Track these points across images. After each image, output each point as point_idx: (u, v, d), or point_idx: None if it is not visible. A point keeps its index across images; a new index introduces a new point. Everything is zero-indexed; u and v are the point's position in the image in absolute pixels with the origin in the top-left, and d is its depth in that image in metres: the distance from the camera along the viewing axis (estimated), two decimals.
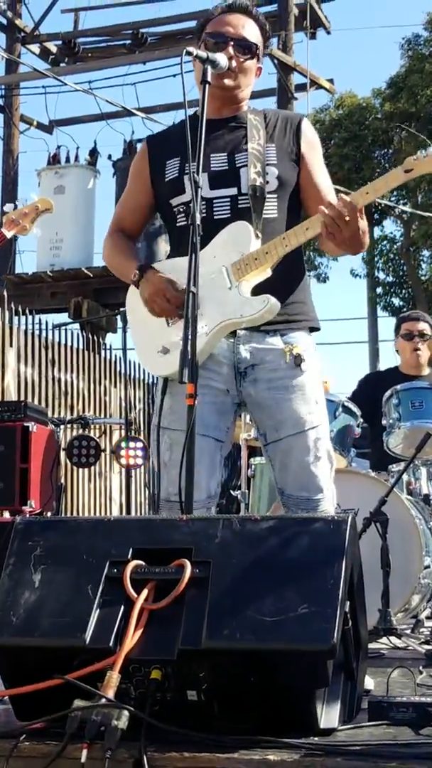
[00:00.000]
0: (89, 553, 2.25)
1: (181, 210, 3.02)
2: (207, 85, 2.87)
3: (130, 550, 2.24)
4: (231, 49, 3.01)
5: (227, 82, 3.02)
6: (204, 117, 2.84)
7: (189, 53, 2.82)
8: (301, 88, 13.75)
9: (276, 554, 2.19)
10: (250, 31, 3.07)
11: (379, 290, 19.40)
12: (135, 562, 2.22)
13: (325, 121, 16.14)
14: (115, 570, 2.22)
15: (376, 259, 18.50)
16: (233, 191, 2.99)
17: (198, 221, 2.74)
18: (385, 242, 18.80)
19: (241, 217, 2.97)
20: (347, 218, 2.81)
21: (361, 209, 2.83)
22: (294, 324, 3.04)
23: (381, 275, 19.13)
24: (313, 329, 3.12)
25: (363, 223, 2.86)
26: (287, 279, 3.04)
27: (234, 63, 3.01)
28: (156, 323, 3.01)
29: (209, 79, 2.87)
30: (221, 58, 2.95)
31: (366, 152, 15.94)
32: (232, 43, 3.02)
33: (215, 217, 2.97)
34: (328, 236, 2.86)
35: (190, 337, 2.68)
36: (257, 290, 2.95)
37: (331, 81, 14.55)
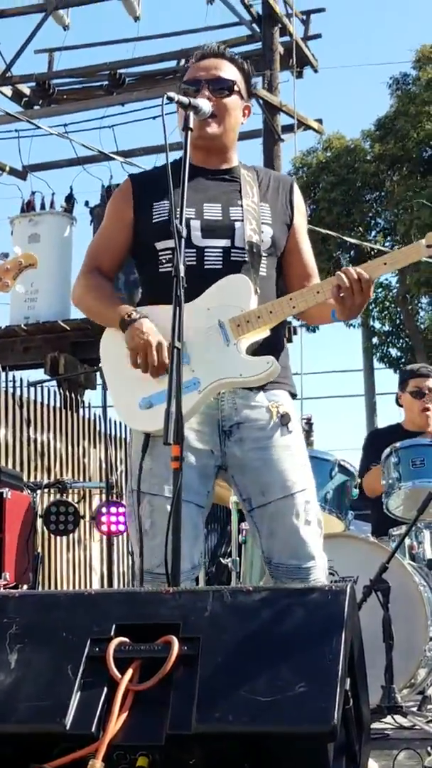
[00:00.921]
0: (69, 630, 2.23)
1: (168, 255, 3.05)
2: (189, 132, 2.92)
3: (113, 626, 2.23)
4: (207, 92, 3.09)
5: (210, 130, 3.10)
6: (186, 164, 2.88)
7: (170, 98, 2.88)
8: (288, 129, 13.93)
9: (270, 628, 2.18)
10: (226, 70, 3.15)
11: (375, 340, 19.52)
12: (118, 639, 2.20)
13: (313, 163, 16.36)
14: (97, 648, 2.20)
15: (371, 307, 18.64)
16: (226, 243, 3.05)
17: (182, 272, 2.75)
18: (380, 289, 18.96)
19: (233, 270, 3.02)
20: (361, 289, 2.91)
21: (373, 279, 2.93)
22: (277, 384, 3.08)
23: (376, 324, 19.27)
24: (293, 395, 3.17)
25: (371, 294, 2.97)
26: (273, 340, 3.08)
27: (213, 106, 3.07)
28: (138, 372, 3.00)
29: (191, 125, 2.92)
30: (204, 104, 3.02)
31: (356, 196, 16.14)
32: (207, 85, 3.10)
33: (206, 267, 3.02)
34: (338, 301, 2.93)
35: (174, 393, 2.68)
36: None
37: (319, 121, 14.75)
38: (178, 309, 2.72)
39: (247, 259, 3.05)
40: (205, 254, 3.03)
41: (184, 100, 2.94)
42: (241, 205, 3.09)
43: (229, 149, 3.20)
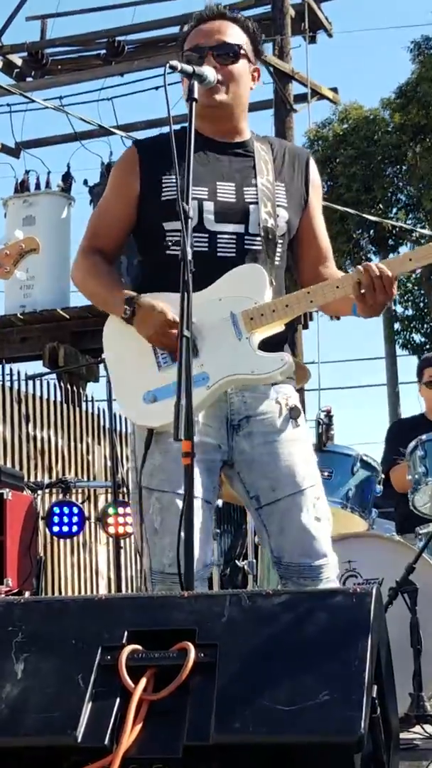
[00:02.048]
0: (78, 638, 2.27)
1: (177, 237, 2.98)
2: (194, 103, 2.92)
3: (125, 633, 2.26)
4: (212, 59, 3.08)
5: (218, 97, 3.09)
6: (192, 138, 2.87)
7: (173, 67, 2.88)
8: (300, 98, 13.92)
9: (291, 634, 2.21)
10: (230, 33, 3.13)
11: (397, 326, 19.51)
12: (131, 646, 2.23)
13: (329, 136, 16.33)
14: (109, 657, 2.23)
15: None
16: (240, 228, 3.06)
17: (189, 255, 2.76)
18: None
19: (247, 259, 3.04)
20: (384, 287, 2.93)
21: (396, 276, 2.95)
22: (286, 379, 3.12)
23: (399, 309, 19.25)
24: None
25: (395, 292, 2.99)
26: (283, 334, 3.12)
27: (219, 73, 3.07)
28: (143, 364, 3.02)
29: (197, 95, 2.93)
30: (209, 72, 3.01)
31: (376, 170, 16.11)
32: (210, 52, 3.08)
33: (218, 254, 3.03)
34: (358, 298, 2.97)
35: (184, 387, 2.70)
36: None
37: (334, 90, 14.74)
38: (186, 296, 2.73)
39: (261, 247, 3.07)
40: (218, 240, 3.03)
41: (188, 68, 2.93)
42: (256, 185, 3.09)
43: (240, 119, 3.19)
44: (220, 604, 2.27)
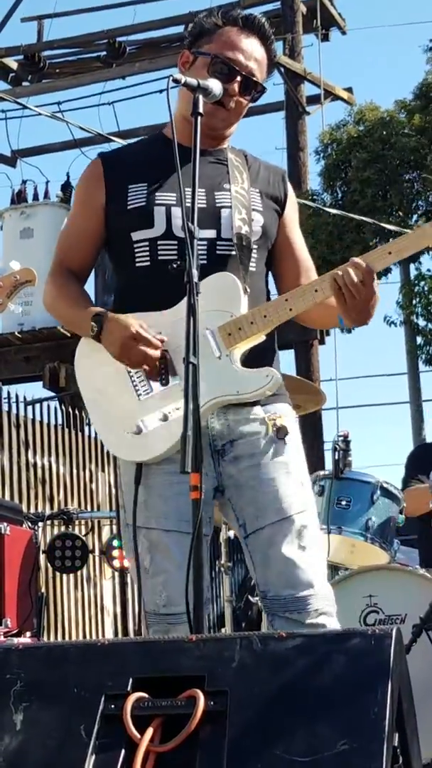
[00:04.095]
0: (80, 686, 2.28)
1: (145, 247, 3.05)
2: (199, 118, 2.94)
3: (130, 680, 2.26)
4: (237, 86, 3.11)
5: (220, 125, 3.15)
6: (197, 154, 2.90)
7: (176, 81, 2.90)
8: (313, 100, 14.00)
9: (306, 679, 2.21)
10: (262, 65, 3.17)
11: (419, 340, 19.47)
12: (136, 694, 2.24)
13: (343, 139, 16.34)
14: (113, 705, 2.24)
15: (413, 302, 18.59)
16: (212, 234, 3.06)
17: (196, 278, 2.75)
18: (423, 282, 18.92)
19: (220, 266, 3.03)
20: (363, 282, 2.90)
21: (375, 270, 2.93)
22: (275, 396, 3.10)
23: (421, 321, 19.23)
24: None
25: (377, 290, 2.95)
26: (266, 346, 3.11)
27: (233, 102, 3.12)
28: (123, 396, 3.02)
29: (201, 109, 2.95)
30: (214, 85, 3.02)
31: (392, 176, 16.11)
32: (240, 79, 3.11)
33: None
34: (339, 300, 2.94)
35: (191, 416, 2.71)
36: None
37: (349, 90, 14.81)
38: (192, 320, 2.73)
39: (234, 252, 3.07)
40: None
41: (192, 82, 2.95)
42: (229, 190, 3.12)
43: (225, 139, 3.26)
44: (230, 648, 2.28)
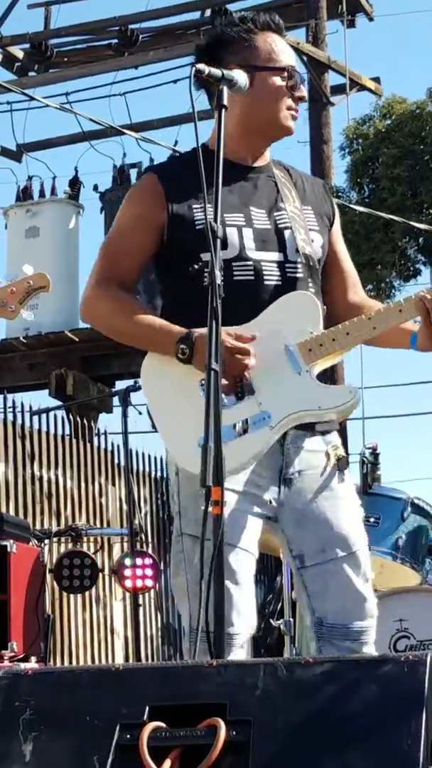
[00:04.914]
0: (94, 714, 2.28)
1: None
2: (223, 111, 2.99)
3: (146, 708, 2.27)
4: (303, 91, 3.29)
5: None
6: (221, 149, 2.96)
7: (200, 72, 2.95)
8: (338, 90, 13.99)
9: (334, 708, 2.21)
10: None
11: None
12: (153, 723, 2.24)
13: (370, 134, 16.32)
14: (128, 735, 2.24)
15: None
16: (280, 257, 3.19)
17: (219, 280, 2.83)
18: None
19: (291, 287, 3.16)
20: None
21: None
22: (329, 423, 3.21)
23: None
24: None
25: None
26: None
27: (295, 102, 3.25)
28: (193, 409, 3.05)
29: (226, 101, 2.99)
30: (240, 76, 3.07)
31: (424, 171, 16.06)
32: (301, 84, 3.28)
33: (265, 283, 3.16)
34: (425, 322, 3.08)
35: (212, 427, 2.73)
36: None
37: (376, 80, 14.80)
38: (215, 325, 2.78)
39: (302, 273, 3.20)
40: (263, 268, 3.16)
41: (216, 73, 2.99)
42: (285, 209, 3.24)
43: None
44: (253, 674, 2.28)
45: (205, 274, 3.07)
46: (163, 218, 3.21)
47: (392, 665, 2.26)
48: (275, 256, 3.18)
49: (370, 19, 14.69)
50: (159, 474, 11.47)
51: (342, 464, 3.17)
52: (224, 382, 2.98)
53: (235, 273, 3.14)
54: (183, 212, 3.19)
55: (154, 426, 3.15)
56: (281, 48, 3.26)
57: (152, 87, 14.17)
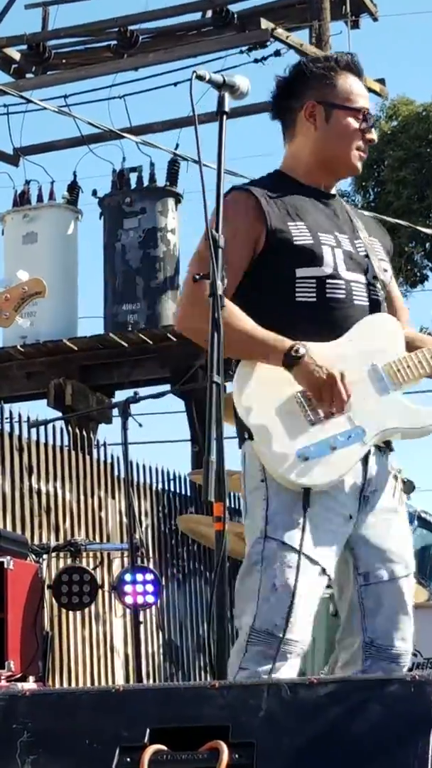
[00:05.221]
0: (93, 736, 2.29)
1: (311, 284, 3.32)
2: (224, 116, 3.05)
3: (147, 730, 2.28)
4: (374, 135, 3.49)
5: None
6: (224, 154, 3.08)
7: (200, 77, 3.02)
8: None
9: (339, 730, 2.22)
10: None
11: None
12: (154, 746, 2.25)
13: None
14: (128, 758, 2.25)
15: None
16: (364, 279, 3.39)
17: (220, 290, 2.95)
18: None
19: (376, 308, 3.37)
20: None
21: None
22: (391, 445, 3.41)
23: None
24: None
25: None
26: None
27: (363, 143, 3.45)
28: (292, 419, 3.22)
29: (227, 108, 3.04)
30: (241, 82, 3.15)
31: (430, 174, 16.08)
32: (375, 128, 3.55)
33: (355, 302, 3.35)
34: None
35: (214, 441, 2.75)
36: None
37: (381, 82, 14.81)
38: (216, 335, 2.80)
39: (381, 297, 3.41)
40: (353, 288, 3.35)
41: (218, 79, 3.08)
42: (360, 237, 3.45)
43: None
44: (257, 695, 2.29)
45: (298, 288, 3.31)
46: (260, 233, 3.34)
47: (398, 685, 2.27)
48: (362, 278, 3.38)
49: (375, 20, 14.71)
50: (160, 486, 11.47)
51: (407, 488, 3.32)
52: (318, 404, 3.19)
53: (328, 290, 3.32)
54: (280, 227, 3.32)
55: (244, 434, 3.23)
56: (359, 91, 3.46)
57: (152, 89, 14.21)
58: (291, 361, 3.19)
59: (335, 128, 3.41)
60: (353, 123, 3.42)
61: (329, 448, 3.17)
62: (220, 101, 3.06)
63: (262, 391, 3.25)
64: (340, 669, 3.36)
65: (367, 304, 3.37)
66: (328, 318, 3.29)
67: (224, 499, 2.74)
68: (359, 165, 3.49)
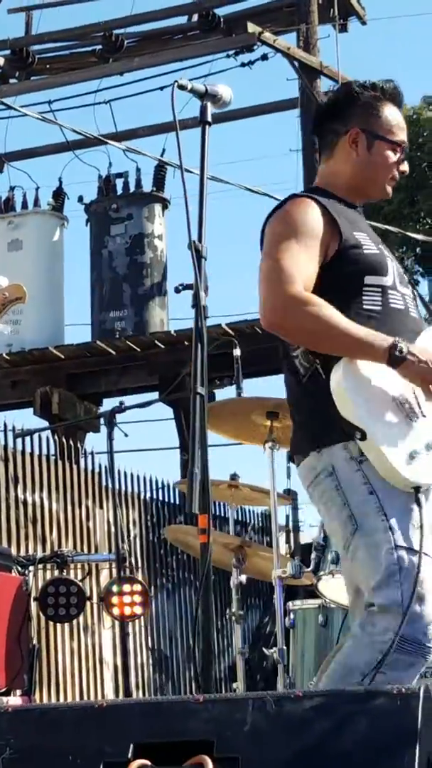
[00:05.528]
0: (77, 752, 2.29)
1: (377, 292, 3.44)
2: (207, 126, 3.04)
3: (131, 746, 2.28)
4: (407, 167, 3.64)
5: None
6: (206, 163, 3.10)
7: (182, 87, 3.04)
8: None
9: (325, 744, 2.22)
10: None
11: None
12: (138, 762, 2.25)
13: None
14: None
15: None
16: (411, 293, 3.54)
17: (203, 302, 2.97)
18: None
19: (423, 322, 3.52)
20: None
21: None
22: None
23: None
24: None
25: None
26: None
27: (397, 172, 3.60)
28: (398, 417, 3.29)
29: (209, 118, 3.05)
30: (224, 91, 3.18)
31: (421, 179, 16.12)
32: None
33: (410, 313, 3.49)
34: None
35: (198, 452, 2.76)
36: None
37: None
38: (200, 347, 2.81)
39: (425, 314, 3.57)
40: (407, 300, 3.50)
41: (200, 88, 3.10)
42: (393, 257, 3.58)
43: None
44: (241, 709, 2.29)
45: (366, 296, 3.41)
46: (331, 240, 3.41)
47: (384, 698, 2.28)
48: (410, 292, 3.54)
49: (363, 23, 14.73)
50: (149, 495, 11.46)
51: None
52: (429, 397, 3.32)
53: (390, 300, 3.45)
54: (350, 236, 3.42)
55: (356, 434, 3.22)
56: (401, 124, 3.61)
57: (138, 94, 14.22)
58: (397, 358, 3.25)
59: (376, 158, 3.55)
60: (392, 156, 3.56)
61: (426, 450, 3.26)
62: (203, 111, 3.08)
63: (366, 389, 3.28)
64: None
65: (417, 317, 3.51)
66: (392, 327, 3.36)
67: (209, 511, 2.74)
68: (390, 192, 3.66)
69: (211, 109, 3.07)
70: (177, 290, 3.09)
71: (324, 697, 2.32)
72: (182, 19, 14.33)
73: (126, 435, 6.35)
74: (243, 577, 5.28)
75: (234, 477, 5.57)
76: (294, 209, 3.43)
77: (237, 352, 5.56)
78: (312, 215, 3.41)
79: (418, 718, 2.23)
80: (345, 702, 2.31)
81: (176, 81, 2.99)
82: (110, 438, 6.13)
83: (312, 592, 5.69)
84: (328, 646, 5.44)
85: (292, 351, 3.41)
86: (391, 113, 3.59)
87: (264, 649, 5.55)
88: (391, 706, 2.26)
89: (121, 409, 6.19)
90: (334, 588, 5.40)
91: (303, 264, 3.38)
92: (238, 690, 5.24)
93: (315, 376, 3.34)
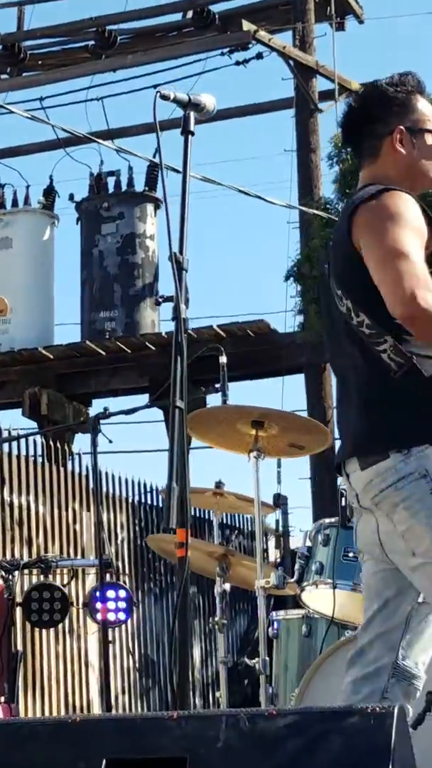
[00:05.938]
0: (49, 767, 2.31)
1: None
2: (189, 136, 3.05)
3: (103, 762, 2.29)
4: None
5: None
6: (188, 173, 3.08)
7: (164, 98, 3.04)
8: (326, 96, 14.02)
9: (299, 762, 2.24)
10: None
11: None
12: None
13: None
14: None
15: None
16: None
17: (184, 314, 2.95)
18: None
19: None
20: None
21: None
22: None
23: None
24: None
25: None
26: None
27: None
28: None
29: (192, 128, 3.06)
30: (207, 100, 3.19)
31: None
32: None
33: None
34: None
35: (177, 465, 2.78)
36: None
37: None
38: (180, 359, 2.83)
39: None
40: None
41: (183, 98, 3.11)
42: None
43: None
44: (214, 726, 2.31)
45: None
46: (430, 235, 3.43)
47: (358, 717, 2.30)
48: None
49: (360, 22, 14.73)
50: (137, 499, 11.47)
51: None
52: None
53: None
54: None
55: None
56: (431, 111, 3.65)
57: (131, 91, 14.22)
58: None
59: (423, 151, 3.58)
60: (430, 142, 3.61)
61: None
62: (185, 121, 3.09)
63: None
64: (359, 681, 3.31)
65: None
66: None
67: (187, 526, 2.76)
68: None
69: (194, 118, 3.08)
70: (157, 302, 3.13)
71: (297, 715, 2.34)
72: (176, 16, 14.34)
73: (110, 441, 6.37)
74: (227, 586, 5.29)
75: (219, 485, 5.57)
76: (394, 202, 3.43)
77: (223, 359, 5.55)
78: (414, 210, 3.43)
79: (392, 736, 2.25)
80: (319, 720, 2.33)
81: (158, 91, 3.01)
82: (94, 444, 6.14)
83: None
84: (311, 657, 5.44)
85: (375, 345, 3.33)
86: (423, 105, 3.63)
87: (247, 660, 5.57)
88: (365, 725, 2.28)
89: (105, 415, 6.21)
90: (317, 598, 5.42)
91: (420, 261, 3.37)
92: (221, 699, 5.25)
93: (412, 372, 3.28)
